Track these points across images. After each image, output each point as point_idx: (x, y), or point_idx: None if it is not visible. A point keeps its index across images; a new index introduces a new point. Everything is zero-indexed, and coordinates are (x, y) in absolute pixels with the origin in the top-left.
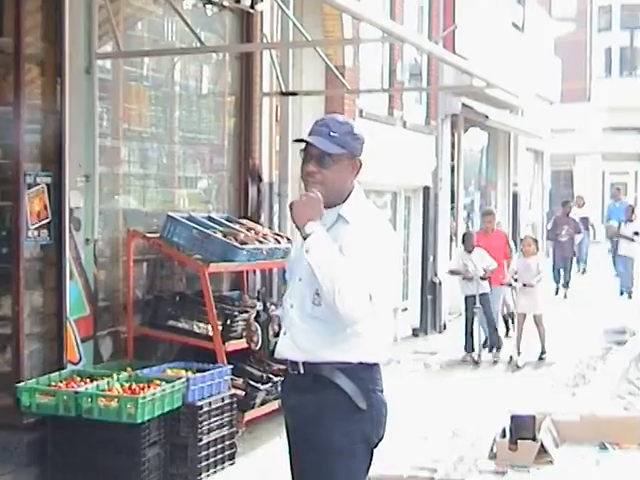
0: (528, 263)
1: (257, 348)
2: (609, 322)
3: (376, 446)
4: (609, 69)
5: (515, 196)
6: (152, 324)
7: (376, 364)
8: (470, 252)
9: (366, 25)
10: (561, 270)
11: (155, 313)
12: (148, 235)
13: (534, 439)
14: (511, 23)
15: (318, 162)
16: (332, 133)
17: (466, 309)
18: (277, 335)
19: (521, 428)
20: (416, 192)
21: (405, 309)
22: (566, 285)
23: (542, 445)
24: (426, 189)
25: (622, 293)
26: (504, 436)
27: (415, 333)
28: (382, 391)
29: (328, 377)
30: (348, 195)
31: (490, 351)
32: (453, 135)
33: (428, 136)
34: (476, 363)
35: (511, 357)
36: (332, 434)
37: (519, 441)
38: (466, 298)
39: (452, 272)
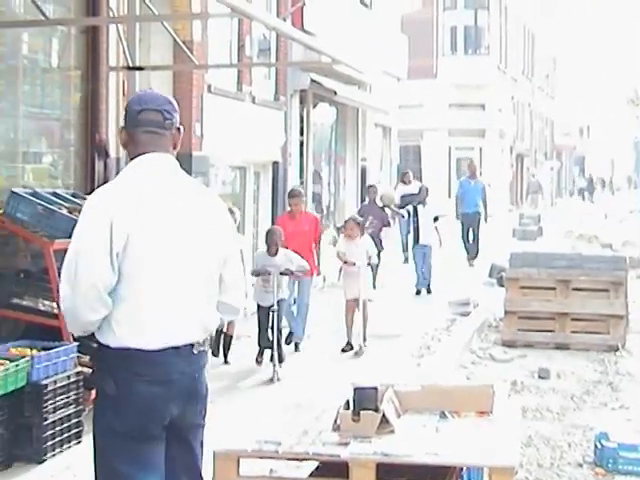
0: (356, 244)
1: None
2: (454, 295)
3: (141, 436)
4: (455, 47)
5: (363, 171)
6: None
7: (137, 350)
8: (275, 255)
9: (214, 0)
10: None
11: None
12: None
13: (376, 410)
14: (359, 0)
15: None
16: None
17: (259, 320)
18: None
19: (364, 399)
20: (265, 167)
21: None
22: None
23: (384, 415)
24: (275, 164)
25: (419, 292)
26: (348, 408)
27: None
28: (150, 381)
29: (92, 360)
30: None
31: (271, 360)
32: (302, 110)
33: (277, 111)
34: (274, 380)
35: (351, 346)
36: (94, 417)
37: (361, 412)
38: (259, 307)
39: (254, 273)
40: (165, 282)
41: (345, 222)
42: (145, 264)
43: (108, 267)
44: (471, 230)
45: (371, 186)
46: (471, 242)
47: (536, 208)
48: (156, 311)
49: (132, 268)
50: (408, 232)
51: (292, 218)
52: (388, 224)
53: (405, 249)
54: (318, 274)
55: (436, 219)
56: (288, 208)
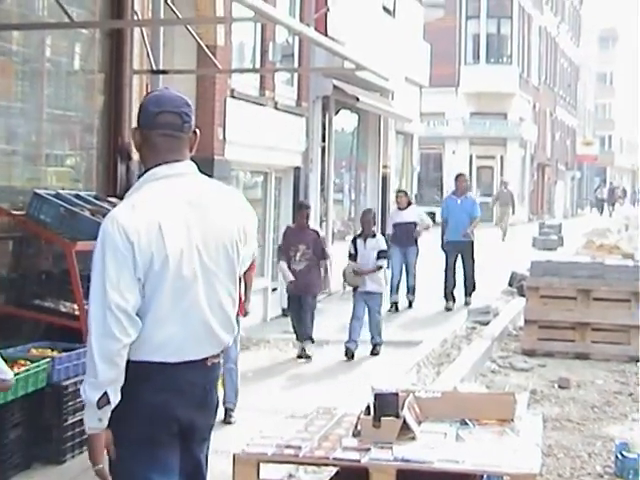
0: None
1: None
2: (474, 303)
3: (157, 445)
4: (477, 55)
5: (385, 178)
6: (17, 303)
7: (150, 363)
8: None
9: (238, 4)
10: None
11: (20, 292)
12: (13, 212)
13: (397, 416)
14: (382, 7)
15: None
16: None
17: None
18: None
19: (384, 405)
20: (287, 173)
21: (275, 289)
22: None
23: (405, 422)
24: (297, 170)
25: (351, 355)
26: (368, 413)
27: (285, 313)
28: (158, 389)
29: None
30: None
31: None
32: (324, 116)
33: (299, 117)
34: None
35: None
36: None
37: (382, 418)
38: None
39: None
40: (184, 299)
41: None
42: (166, 283)
43: (136, 294)
44: (460, 262)
45: (302, 205)
46: (464, 278)
47: (501, 223)
48: (174, 329)
49: (153, 288)
50: (400, 271)
51: None
52: (325, 257)
53: (394, 291)
54: (245, 315)
55: (380, 255)
56: None
